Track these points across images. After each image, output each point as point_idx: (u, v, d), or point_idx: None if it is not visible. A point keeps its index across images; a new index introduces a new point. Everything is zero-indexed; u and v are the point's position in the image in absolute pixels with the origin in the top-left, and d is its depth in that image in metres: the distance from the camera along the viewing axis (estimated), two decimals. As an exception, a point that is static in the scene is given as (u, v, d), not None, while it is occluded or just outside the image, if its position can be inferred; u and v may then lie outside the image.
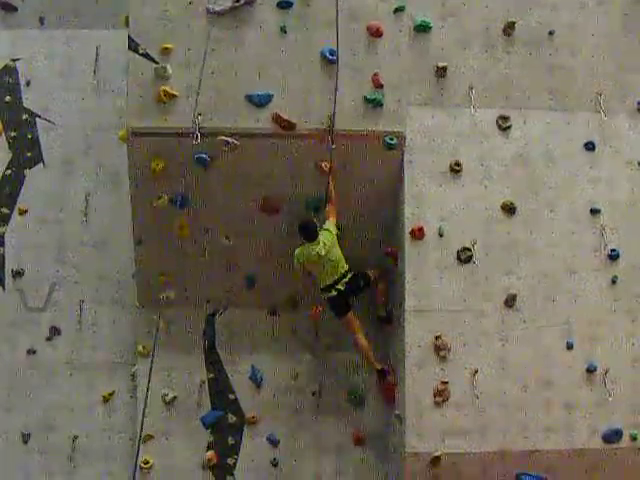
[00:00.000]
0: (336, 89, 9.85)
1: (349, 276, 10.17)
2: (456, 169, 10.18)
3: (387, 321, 10.72)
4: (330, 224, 10.08)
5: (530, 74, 10.40)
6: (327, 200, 10.08)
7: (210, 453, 10.73)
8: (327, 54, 9.92)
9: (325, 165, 9.93)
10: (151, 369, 8.76)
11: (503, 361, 10.00)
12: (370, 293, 10.59)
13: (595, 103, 10.46)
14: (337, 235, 10.15)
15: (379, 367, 10.43)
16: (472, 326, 10.02)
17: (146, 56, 9.84)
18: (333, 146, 9.83)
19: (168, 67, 9.85)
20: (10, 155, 11.40)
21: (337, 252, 10.10)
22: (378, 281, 10.55)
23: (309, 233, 10.03)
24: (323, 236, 10.02)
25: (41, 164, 11.41)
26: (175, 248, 10.52)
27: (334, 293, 10.14)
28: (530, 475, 9.84)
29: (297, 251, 10.10)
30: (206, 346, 10.89)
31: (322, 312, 10.37)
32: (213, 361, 10.89)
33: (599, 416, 10.06)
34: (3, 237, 11.26)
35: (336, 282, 10.12)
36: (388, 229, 10.54)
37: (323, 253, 9.97)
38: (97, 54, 11.47)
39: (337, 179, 10.06)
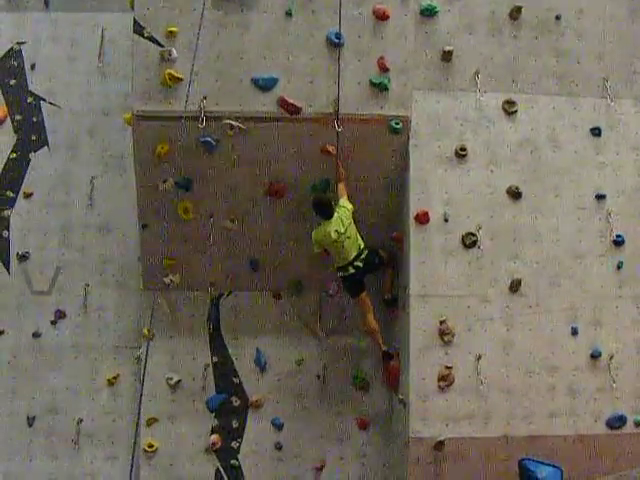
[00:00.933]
0: (339, 72, 9.82)
1: (365, 253, 10.16)
2: (461, 154, 10.15)
3: (393, 304, 10.72)
4: (344, 201, 10.05)
5: (536, 59, 10.34)
6: (337, 179, 10.07)
7: (214, 436, 10.77)
8: (333, 37, 9.88)
9: (332, 149, 9.92)
10: (147, 353, 8.75)
11: (507, 346, 10.00)
12: (377, 276, 10.57)
13: (602, 88, 10.41)
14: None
15: (385, 348, 10.45)
16: (477, 311, 10.01)
17: (151, 39, 9.82)
18: (339, 129, 9.82)
19: (173, 50, 9.81)
20: (15, 138, 11.41)
21: (354, 228, 10.09)
22: (386, 264, 10.55)
23: (325, 209, 10.00)
24: (339, 212, 10.01)
25: (46, 147, 11.41)
26: (180, 232, 10.52)
27: (352, 271, 10.11)
28: (533, 460, 9.84)
29: (314, 235, 10.09)
30: (211, 330, 10.90)
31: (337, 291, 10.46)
32: (217, 345, 10.91)
33: (603, 402, 10.06)
34: (8, 220, 11.28)
35: (354, 260, 10.10)
36: (393, 214, 10.53)
37: (342, 230, 9.94)
38: (102, 37, 11.44)
39: (342, 163, 10.02)
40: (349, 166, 10.11)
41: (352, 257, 10.09)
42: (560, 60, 10.39)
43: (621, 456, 10.06)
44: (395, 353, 10.51)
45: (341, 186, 10.09)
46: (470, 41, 10.31)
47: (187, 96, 9.53)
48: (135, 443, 9.20)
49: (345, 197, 10.06)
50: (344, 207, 10.02)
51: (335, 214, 9.97)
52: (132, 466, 8.60)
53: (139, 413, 8.88)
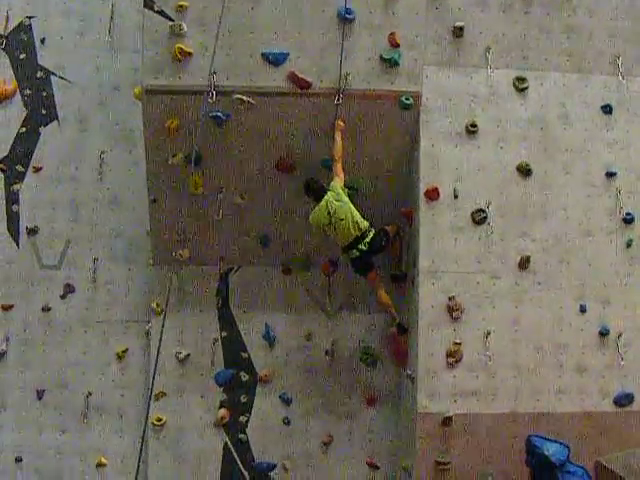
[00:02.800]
0: (342, 47, 9.82)
1: (371, 235, 10.09)
2: (472, 130, 10.13)
3: (402, 279, 10.71)
4: (335, 183, 9.98)
5: (548, 35, 10.30)
6: (332, 158, 10.00)
7: (222, 411, 10.80)
8: (343, 13, 9.86)
9: (340, 124, 9.88)
10: (163, 326, 8.75)
11: (516, 323, 10.00)
12: (385, 253, 10.57)
13: (613, 65, 10.37)
14: (349, 194, 10.09)
15: (398, 320, 10.46)
16: (486, 288, 10.01)
17: (161, 14, 9.80)
18: (339, 101, 9.83)
19: (183, 25, 9.80)
20: (25, 113, 11.38)
21: (348, 211, 10.00)
22: (393, 239, 10.52)
23: (312, 192, 10.06)
24: (327, 196, 9.97)
25: (56, 122, 11.39)
26: (189, 206, 10.50)
27: (356, 254, 10.09)
28: (541, 437, 9.86)
29: (310, 218, 10.11)
30: (219, 304, 10.93)
31: (334, 270, 10.36)
32: (226, 319, 10.93)
33: (611, 379, 10.06)
34: (18, 194, 11.28)
35: (357, 242, 10.06)
36: (403, 189, 10.52)
37: (332, 212, 9.91)
38: (112, 11, 11.39)
39: (352, 139, 10.01)
40: (359, 141, 10.11)
41: (352, 239, 10.03)
42: (571, 37, 10.35)
43: (628, 434, 10.07)
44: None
45: (337, 166, 9.99)
46: (481, 17, 10.27)
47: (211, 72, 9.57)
48: (147, 417, 9.27)
49: (338, 178, 9.97)
50: (333, 190, 9.95)
51: (325, 196, 9.97)
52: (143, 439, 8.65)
53: (151, 388, 8.84)
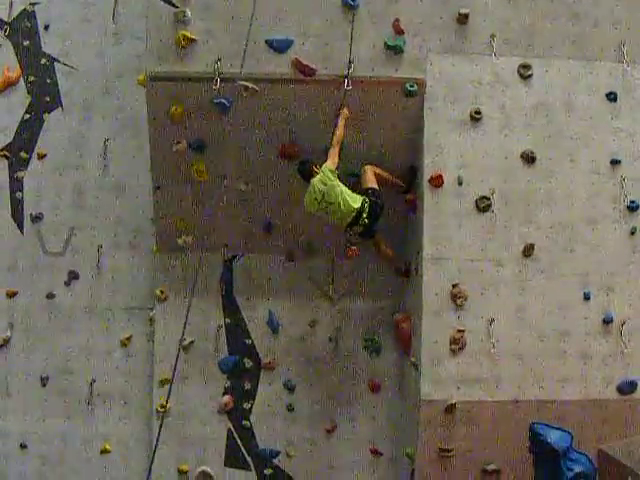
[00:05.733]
0: (352, 33, 9.82)
1: (367, 210, 9.91)
2: (476, 117, 10.09)
3: (405, 274, 10.73)
4: (325, 165, 9.89)
5: (553, 22, 10.21)
6: (331, 143, 9.94)
7: (226, 398, 10.83)
8: (348, -1, 9.89)
9: (345, 112, 9.85)
10: (188, 309, 8.80)
11: (520, 311, 9.98)
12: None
13: (618, 53, 10.28)
14: (353, 181, 10.14)
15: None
16: (489, 275, 9.98)
17: (165, 0, 9.76)
18: (349, 87, 9.80)
19: (187, 11, 9.80)
20: (29, 99, 11.41)
21: (338, 194, 9.86)
22: (378, 245, 10.51)
23: (302, 174, 10.06)
24: (314, 179, 9.93)
25: (60, 109, 11.41)
26: (193, 193, 10.55)
27: (361, 229, 10.02)
28: (544, 424, 9.88)
29: (304, 198, 10.07)
30: (223, 291, 10.94)
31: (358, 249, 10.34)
32: (230, 306, 10.94)
33: (615, 367, 10.03)
34: (22, 182, 11.32)
35: (358, 218, 9.95)
36: (407, 177, 10.49)
37: (319, 197, 9.87)
38: (116, -2, 11.44)
39: (356, 126, 10.00)
40: (363, 128, 10.09)
41: (349, 220, 9.96)
42: (576, 24, 10.26)
43: (632, 421, 10.06)
44: (407, 316, 10.58)
45: (331, 151, 9.91)
46: (486, 4, 10.18)
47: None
48: (165, 403, 9.33)
49: (330, 162, 9.88)
50: (322, 172, 9.88)
51: (311, 181, 9.94)
52: (160, 427, 8.69)
53: (174, 371, 8.82)
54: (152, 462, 8.62)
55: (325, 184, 9.89)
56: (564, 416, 9.90)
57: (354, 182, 10.30)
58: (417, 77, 9.98)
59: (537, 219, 10.10)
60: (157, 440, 8.31)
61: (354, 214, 9.94)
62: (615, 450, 9.97)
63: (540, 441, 9.80)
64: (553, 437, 9.79)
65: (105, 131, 11.35)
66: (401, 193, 10.56)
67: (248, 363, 10.91)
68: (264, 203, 10.70)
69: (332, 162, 9.91)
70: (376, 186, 10.15)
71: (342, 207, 9.91)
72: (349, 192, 9.99)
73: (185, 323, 8.83)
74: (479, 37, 10.20)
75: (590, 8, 10.30)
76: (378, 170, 10.29)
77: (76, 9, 11.44)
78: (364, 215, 9.96)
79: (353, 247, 10.20)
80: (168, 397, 8.94)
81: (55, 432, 11.02)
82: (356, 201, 9.98)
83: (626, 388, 10.05)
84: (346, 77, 9.85)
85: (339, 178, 9.96)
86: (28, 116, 11.39)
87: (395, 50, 9.93)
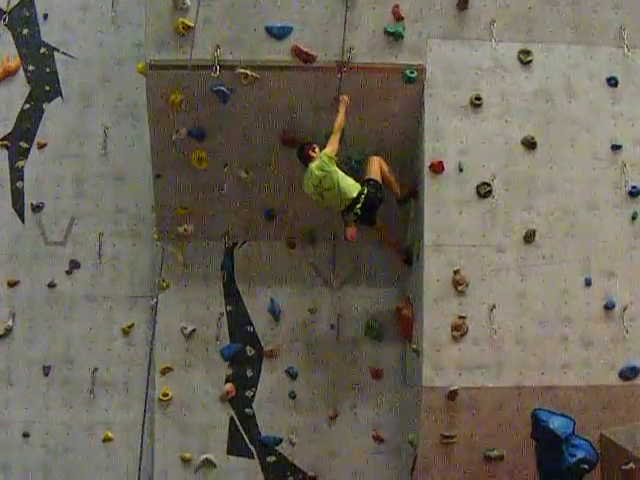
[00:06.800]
0: (346, 19, 9.82)
1: (362, 200, 9.90)
2: (476, 103, 10.06)
3: (406, 261, 10.71)
4: (324, 151, 9.88)
5: (552, 7, 10.19)
6: (332, 130, 9.91)
7: (229, 385, 10.85)
8: (347, -15, 9.85)
9: (344, 98, 9.84)
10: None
11: (521, 297, 9.97)
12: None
13: (618, 37, 10.25)
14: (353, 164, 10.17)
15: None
16: (491, 261, 9.97)
17: (164, -12, 9.79)
18: (342, 74, 9.80)
19: (187, -1, 9.81)
20: (28, 89, 11.39)
21: (335, 180, 9.86)
22: (381, 232, 10.49)
23: (300, 158, 10.07)
24: (311, 165, 9.94)
25: (60, 98, 11.39)
26: (194, 181, 10.55)
27: (354, 217, 10.02)
28: (546, 411, 9.89)
29: (303, 180, 10.09)
30: (225, 279, 10.95)
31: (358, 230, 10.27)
32: (232, 294, 10.96)
33: (616, 353, 10.01)
34: (22, 171, 11.30)
35: (351, 206, 9.94)
36: (407, 163, 10.50)
37: (316, 182, 9.88)
38: (115, -14, 11.41)
39: (356, 112, 9.98)
40: (363, 115, 10.07)
41: (343, 206, 9.96)
42: (576, 9, 10.24)
43: (634, 407, 10.04)
44: (408, 303, 10.57)
45: (332, 137, 9.87)
46: (486, -11, 10.24)
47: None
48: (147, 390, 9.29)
49: (329, 148, 9.86)
50: (320, 158, 9.88)
51: (308, 166, 9.95)
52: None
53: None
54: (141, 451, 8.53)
55: (322, 169, 9.88)
56: (566, 402, 9.90)
57: (354, 168, 10.30)
58: (417, 63, 9.96)
59: (538, 205, 10.08)
60: (143, 427, 8.24)
61: (348, 203, 9.96)
62: (617, 435, 9.98)
63: (542, 427, 9.82)
64: (555, 423, 9.81)
65: (105, 120, 11.32)
66: (396, 201, 10.54)
67: (250, 351, 10.92)
68: (265, 190, 10.69)
69: (331, 149, 9.89)
70: (378, 178, 10.14)
71: (338, 194, 9.90)
72: (348, 180, 9.99)
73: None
74: (479, 23, 10.18)
75: (590, -8, 10.33)
76: (385, 167, 10.26)
77: (75, -2, 11.46)
78: (357, 206, 9.94)
79: (350, 229, 10.17)
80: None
81: (58, 421, 11.03)
82: (353, 191, 9.97)
83: (628, 373, 10.03)
84: (339, 63, 9.81)
85: (338, 165, 9.96)
86: (28, 106, 11.37)
87: (395, 36, 9.91)
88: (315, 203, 10.18)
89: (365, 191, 9.97)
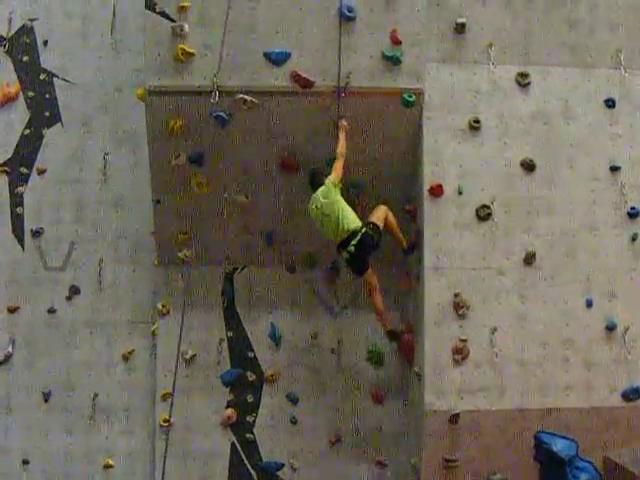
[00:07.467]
0: (340, 45, 9.86)
1: (358, 237, 9.83)
2: (475, 126, 10.11)
3: (410, 252, 10.47)
4: (330, 179, 9.89)
5: (549, 30, 10.28)
6: (335, 156, 9.93)
7: (229, 411, 10.80)
8: (345, 11, 9.87)
9: (344, 124, 9.86)
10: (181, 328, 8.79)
11: (522, 319, 9.97)
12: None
13: (615, 59, 10.33)
14: (354, 192, 10.17)
15: (389, 328, 10.34)
16: (491, 284, 9.97)
17: (163, 14, 9.82)
18: (340, 100, 9.82)
19: (185, 25, 9.81)
20: (28, 115, 11.43)
21: (336, 209, 9.85)
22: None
23: (311, 184, 10.05)
24: (320, 189, 9.94)
25: (59, 124, 11.43)
26: (193, 207, 10.55)
27: (346, 255, 9.93)
28: (549, 433, 9.85)
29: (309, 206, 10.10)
30: (225, 304, 10.94)
31: (336, 273, 10.37)
32: (232, 319, 10.95)
33: (618, 374, 10.01)
34: (22, 197, 11.32)
35: (346, 242, 9.86)
36: (407, 187, 10.51)
37: (319, 206, 9.87)
38: (114, 13, 11.43)
39: (356, 136, 9.99)
40: (362, 139, 10.09)
41: (340, 238, 9.88)
42: (573, 31, 10.32)
43: (637, 428, 10.03)
44: (406, 329, 10.54)
45: (336, 163, 9.88)
46: (483, 13, 10.26)
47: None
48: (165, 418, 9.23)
49: (334, 175, 9.87)
50: (326, 185, 9.88)
51: (318, 189, 9.94)
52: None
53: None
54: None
55: (326, 197, 9.90)
56: (569, 424, 9.88)
57: (354, 193, 10.34)
58: (415, 87, 10.01)
59: (538, 227, 10.11)
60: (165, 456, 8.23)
61: (345, 235, 9.88)
62: (621, 457, 9.95)
63: (545, 450, 9.78)
64: (558, 445, 9.78)
65: (104, 145, 11.37)
66: (401, 251, 10.46)
67: (251, 376, 10.88)
68: (264, 215, 10.70)
69: (335, 175, 9.91)
70: (380, 224, 10.06)
71: (336, 222, 9.86)
72: (349, 212, 9.94)
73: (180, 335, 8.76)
74: (476, 46, 10.26)
75: (587, 15, 10.35)
76: (391, 217, 10.21)
77: (75, 24, 11.48)
78: (352, 242, 9.85)
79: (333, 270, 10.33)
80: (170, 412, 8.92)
81: (58, 448, 10.98)
82: (351, 223, 9.90)
83: (631, 395, 10.02)
84: (338, 88, 9.86)
85: (342, 194, 9.96)
86: (28, 131, 11.41)
87: (393, 60, 9.95)
88: (315, 228, 10.15)
89: (364, 230, 9.91)
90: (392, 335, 10.41)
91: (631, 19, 10.34)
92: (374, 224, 10.00)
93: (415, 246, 10.36)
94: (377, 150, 10.27)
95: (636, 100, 10.35)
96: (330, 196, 9.89)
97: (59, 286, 11.17)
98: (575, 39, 10.31)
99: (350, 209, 9.98)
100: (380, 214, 10.11)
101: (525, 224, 10.07)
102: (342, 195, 9.99)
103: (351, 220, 9.92)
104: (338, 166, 9.90)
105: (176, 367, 9.26)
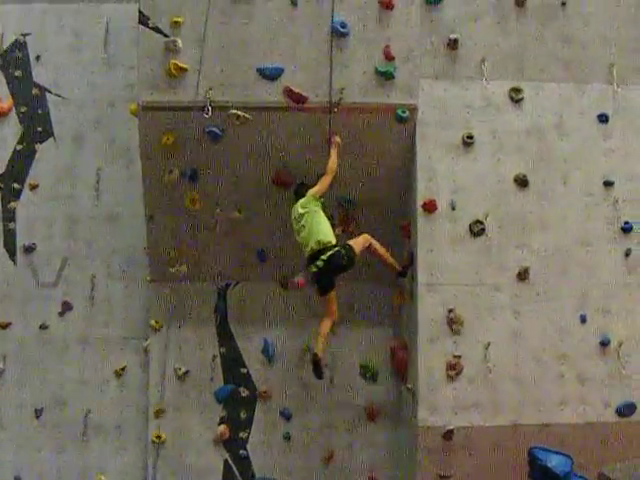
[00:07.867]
0: (331, 61, 9.85)
1: (329, 253, 9.71)
2: (468, 142, 10.10)
3: (405, 275, 10.36)
4: (311, 191, 9.90)
5: (542, 45, 10.29)
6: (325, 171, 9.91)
7: (222, 427, 10.76)
8: (338, 26, 9.86)
9: (336, 140, 9.85)
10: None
11: (516, 335, 9.95)
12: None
13: (608, 74, 10.33)
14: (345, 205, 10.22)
15: (316, 353, 9.85)
16: (485, 300, 9.96)
17: (156, 30, 9.80)
18: (332, 115, 9.81)
19: (178, 41, 9.79)
20: (21, 130, 11.40)
21: (311, 221, 9.80)
22: (370, 251, 10.17)
23: (295, 192, 10.07)
24: (300, 200, 9.94)
25: (52, 139, 11.41)
26: (186, 222, 10.53)
27: (314, 269, 9.82)
28: (543, 449, 9.80)
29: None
30: (218, 320, 10.90)
31: (306, 282, 10.30)
32: (225, 335, 10.91)
33: (613, 389, 10.00)
34: (14, 212, 11.29)
35: (317, 256, 9.75)
36: (400, 203, 10.49)
37: (294, 216, 9.89)
38: (107, 28, 11.45)
39: (349, 152, 9.99)
40: (356, 155, 10.08)
41: (311, 250, 9.77)
42: (566, 46, 10.33)
43: (631, 444, 10.00)
44: (403, 343, 10.52)
45: (324, 178, 9.86)
46: (476, 29, 10.26)
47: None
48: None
49: (316, 188, 9.85)
50: (305, 196, 9.88)
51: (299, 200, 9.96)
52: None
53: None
54: None
55: (304, 207, 9.89)
56: (564, 440, 9.84)
57: (346, 208, 10.35)
58: (409, 103, 9.99)
59: (531, 242, 10.09)
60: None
61: (317, 248, 9.76)
62: (616, 473, 9.87)
63: (540, 466, 9.68)
64: (553, 461, 9.67)
65: (97, 161, 11.35)
66: (396, 275, 10.37)
67: (244, 392, 10.84)
68: (258, 231, 10.66)
69: (317, 189, 9.91)
70: (357, 249, 9.88)
71: (309, 232, 9.79)
72: (325, 225, 9.85)
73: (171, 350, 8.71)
74: (469, 62, 10.27)
75: (579, 30, 10.37)
76: (378, 246, 10.12)
77: (67, 39, 11.47)
78: (322, 257, 9.72)
79: (297, 279, 10.26)
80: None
81: (50, 465, 10.93)
82: (325, 236, 9.78)
83: (625, 410, 10.02)
84: (330, 104, 9.85)
85: (323, 209, 9.92)
86: (20, 147, 11.39)
87: (386, 76, 9.93)
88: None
89: (337, 248, 9.79)
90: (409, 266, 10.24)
91: (624, 34, 10.35)
92: (350, 246, 9.87)
93: (409, 267, 10.31)
94: (370, 166, 10.25)
95: (629, 115, 10.36)
96: (309, 207, 9.87)
97: (51, 302, 11.14)
98: (568, 54, 10.31)
99: (328, 224, 9.91)
100: (360, 240, 10.01)
101: (519, 240, 10.06)
102: (325, 211, 9.95)
103: (325, 234, 9.82)
104: (324, 180, 9.89)
105: (162, 383, 9.21)
